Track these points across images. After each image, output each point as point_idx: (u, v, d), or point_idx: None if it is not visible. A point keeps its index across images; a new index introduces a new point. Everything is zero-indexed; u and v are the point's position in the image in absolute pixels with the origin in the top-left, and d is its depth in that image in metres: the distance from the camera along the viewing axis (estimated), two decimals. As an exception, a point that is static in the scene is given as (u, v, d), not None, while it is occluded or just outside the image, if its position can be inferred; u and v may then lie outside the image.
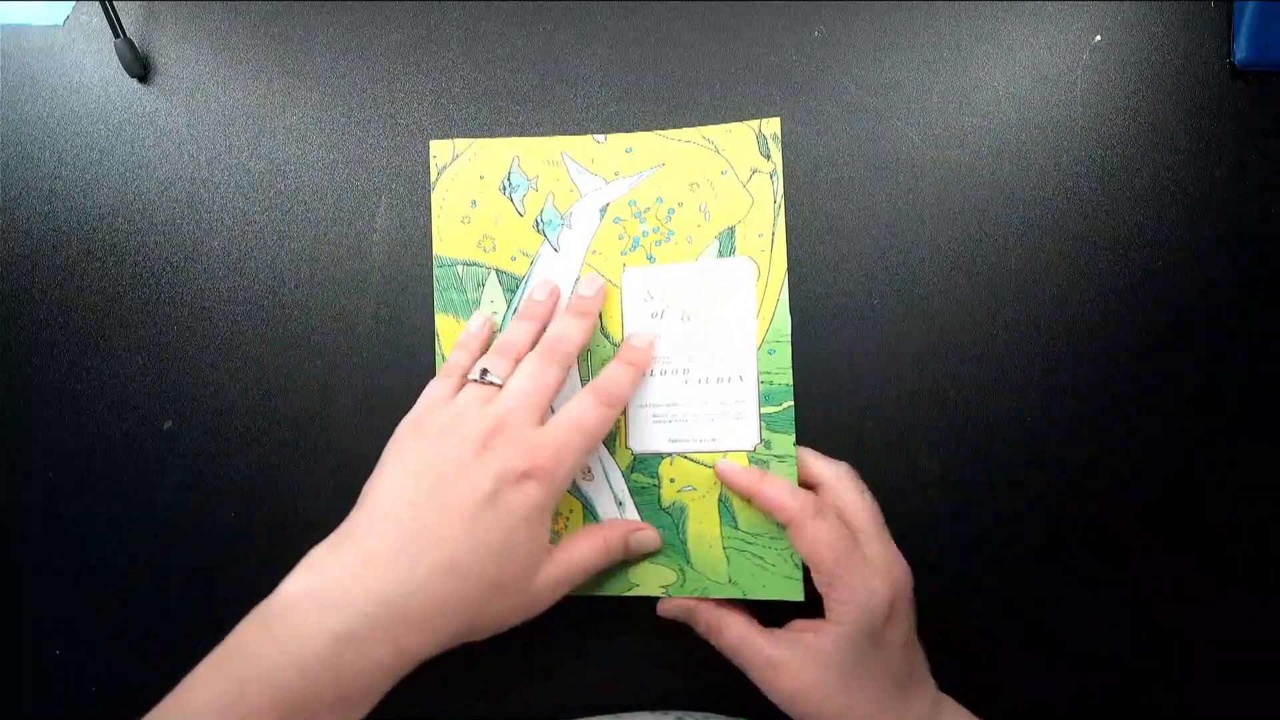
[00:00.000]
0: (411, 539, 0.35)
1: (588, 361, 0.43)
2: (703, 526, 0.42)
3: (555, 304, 0.43)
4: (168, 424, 0.45)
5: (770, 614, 0.41)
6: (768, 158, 0.43)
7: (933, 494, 0.42)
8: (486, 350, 0.42)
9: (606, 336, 0.43)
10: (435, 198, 0.44)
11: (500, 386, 0.39)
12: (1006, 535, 0.43)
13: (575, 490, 0.43)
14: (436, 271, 0.44)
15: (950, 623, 0.39)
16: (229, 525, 0.45)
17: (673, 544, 0.42)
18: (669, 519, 0.43)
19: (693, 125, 0.44)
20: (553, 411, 0.41)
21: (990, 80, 0.44)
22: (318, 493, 0.44)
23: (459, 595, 0.35)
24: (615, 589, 0.43)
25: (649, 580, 0.43)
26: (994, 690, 0.39)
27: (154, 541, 0.45)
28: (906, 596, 0.37)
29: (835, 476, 0.40)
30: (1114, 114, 0.44)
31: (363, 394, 0.45)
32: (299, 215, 0.45)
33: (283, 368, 0.45)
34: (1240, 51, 0.43)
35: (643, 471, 0.43)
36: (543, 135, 0.45)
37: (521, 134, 0.45)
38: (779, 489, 0.39)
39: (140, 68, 0.46)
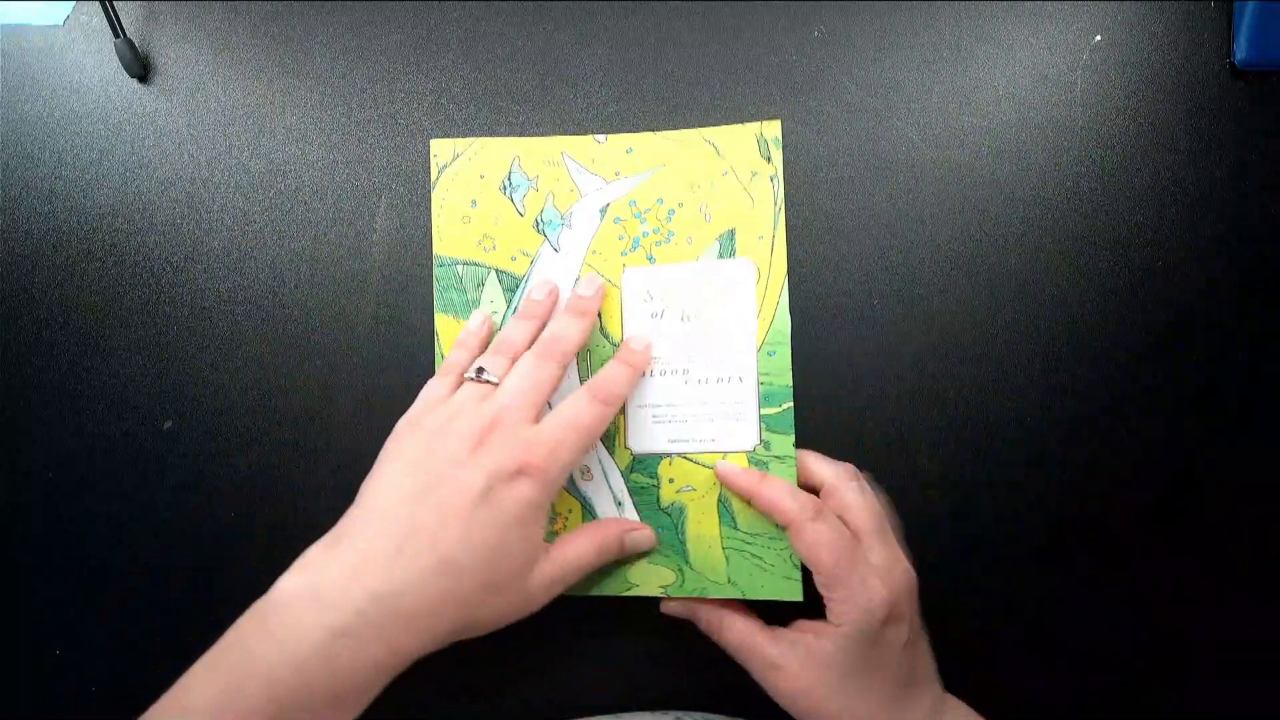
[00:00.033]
0: (406, 537, 0.35)
1: (587, 361, 0.43)
2: (702, 527, 0.42)
3: (554, 304, 0.43)
4: (168, 424, 0.45)
5: (774, 613, 0.41)
6: (768, 160, 0.43)
7: (933, 494, 0.42)
8: (485, 347, 0.42)
9: (606, 337, 0.44)
10: (435, 197, 0.44)
11: (497, 385, 0.39)
12: (1006, 535, 0.43)
13: (574, 490, 0.43)
14: (436, 271, 0.44)
15: (950, 623, 0.39)
16: (229, 525, 0.45)
17: (671, 544, 0.42)
18: (668, 519, 0.43)
19: (693, 125, 0.44)
20: (550, 409, 0.41)
21: (990, 80, 0.44)
22: (318, 493, 0.44)
23: (453, 593, 0.35)
24: (614, 589, 0.43)
25: (648, 580, 0.42)
26: (994, 690, 0.39)
27: (154, 541, 0.45)
28: (908, 598, 0.37)
29: (836, 477, 0.40)
30: (1114, 114, 0.44)
31: (363, 394, 0.45)
32: (299, 215, 0.46)
33: (283, 368, 0.45)
34: (1240, 51, 0.43)
35: (642, 471, 0.43)
36: (543, 135, 0.45)
37: (521, 134, 0.45)
38: (778, 491, 0.39)
39: (140, 68, 0.46)
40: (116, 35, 0.45)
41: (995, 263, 0.44)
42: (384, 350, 0.45)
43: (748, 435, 0.42)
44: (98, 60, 0.46)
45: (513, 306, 0.44)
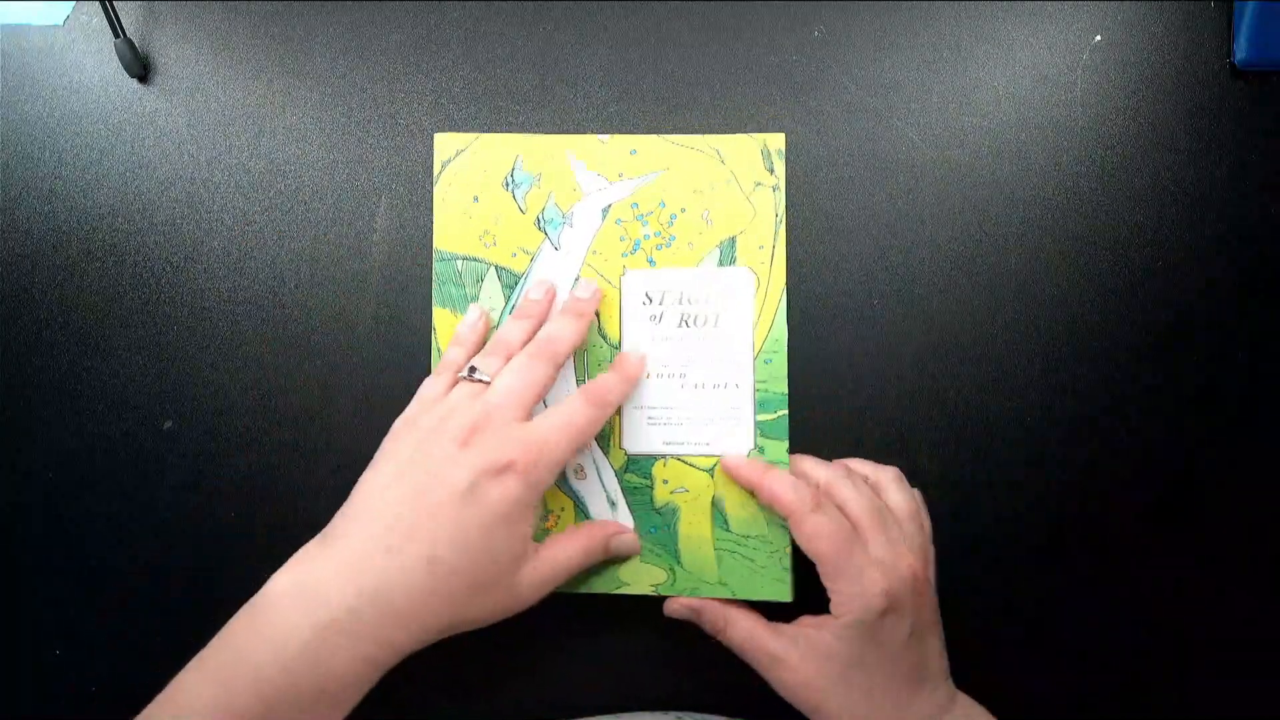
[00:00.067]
0: (394, 534, 0.35)
1: (584, 361, 0.44)
2: (694, 528, 0.42)
3: (551, 303, 0.43)
4: (168, 424, 0.45)
5: (775, 614, 0.41)
6: (771, 172, 0.43)
7: (933, 494, 0.42)
8: (483, 343, 0.42)
9: (604, 337, 0.44)
10: (438, 192, 0.44)
11: (489, 384, 0.39)
12: (1006, 535, 0.43)
13: (568, 489, 0.43)
14: (436, 265, 0.44)
15: (950, 623, 0.39)
16: (229, 525, 0.45)
17: (663, 544, 0.43)
18: (660, 519, 0.43)
19: (694, 125, 0.44)
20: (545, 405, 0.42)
21: (990, 80, 0.44)
22: (318, 493, 0.44)
23: (440, 590, 0.35)
24: (605, 587, 0.43)
25: (639, 579, 0.43)
26: (994, 690, 0.39)
27: (154, 541, 0.45)
28: (910, 592, 0.37)
29: (830, 476, 0.40)
30: (1114, 114, 0.44)
31: (363, 394, 0.45)
32: (299, 215, 0.46)
33: (283, 368, 0.45)
34: (1240, 51, 0.43)
35: (636, 472, 0.43)
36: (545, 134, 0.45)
37: (522, 133, 0.45)
38: (780, 482, 0.39)
39: (140, 68, 0.46)
40: (116, 35, 0.45)
41: (995, 263, 0.44)
42: (384, 350, 0.45)
43: (742, 440, 0.42)
44: (98, 60, 0.46)
45: (511, 303, 0.44)
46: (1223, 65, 0.44)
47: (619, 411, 0.43)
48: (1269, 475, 0.43)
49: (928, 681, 0.38)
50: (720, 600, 0.42)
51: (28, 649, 0.45)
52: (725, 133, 0.44)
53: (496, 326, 0.44)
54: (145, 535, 0.45)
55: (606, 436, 0.43)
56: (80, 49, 0.46)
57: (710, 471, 0.43)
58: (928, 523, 0.41)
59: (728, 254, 0.43)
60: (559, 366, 0.40)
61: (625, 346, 0.43)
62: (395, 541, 0.35)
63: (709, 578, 0.42)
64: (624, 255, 0.44)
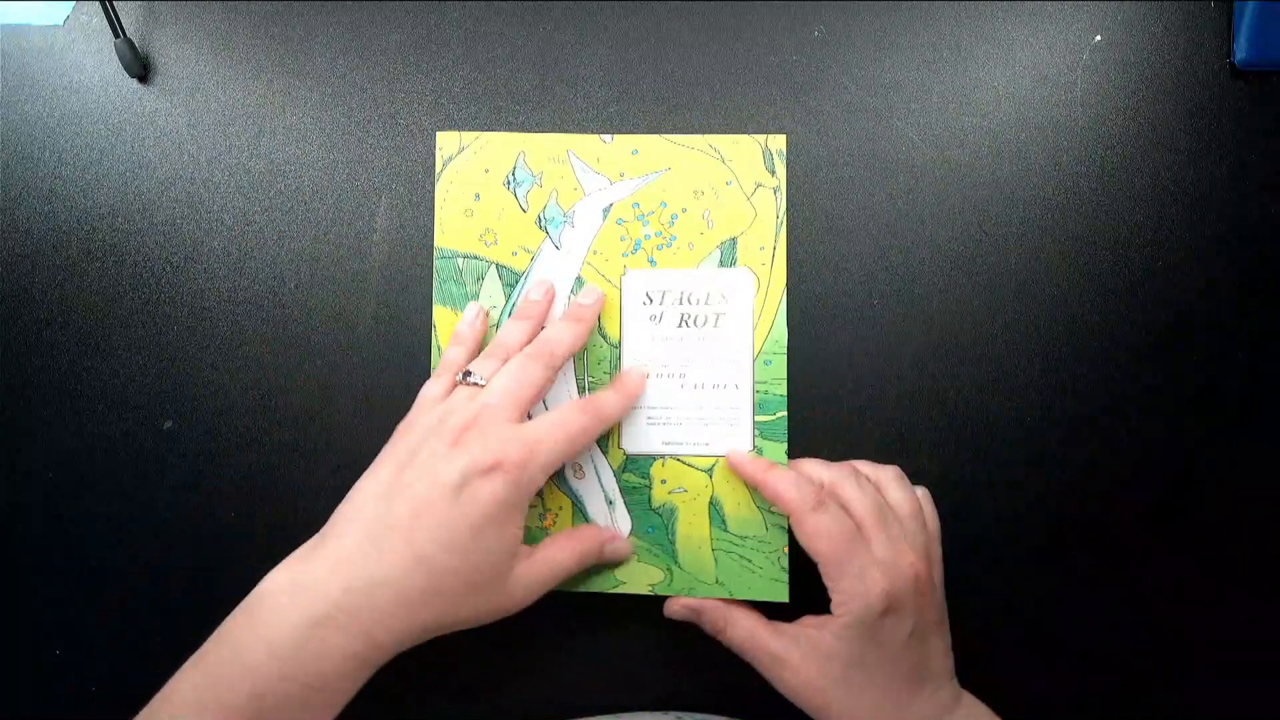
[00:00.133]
0: (384, 531, 0.36)
1: (583, 360, 0.44)
2: (692, 528, 0.42)
3: (550, 303, 0.43)
4: (168, 424, 0.45)
5: (778, 611, 0.41)
6: (773, 173, 0.43)
7: (933, 494, 0.42)
8: (482, 340, 0.43)
9: (604, 337, 0.44)
10: (439, 189, 0.44)
11: (484, 386, 0.39)
12: (1006, 535, 0.43)
13: (566, 488, 0.43)
14: (437, 263, 0.44)
15: (951, 623, 0.39)
16: (229, 525, 0.45)
17: (661, 544, 0.43)
18: (659, 519, 0.43)
19: (693, 125, 0.44)
20: (546, 409, 0.42)
21: (990, 80, 0.44)
22: (318, 493, 0.44)
23: (428, 588, 0.35)
24: (602, 586, 0.43)
25: (637, 579, 0.43)
26: (994, 690, 0.39)
27: (154, 541, 0.45)
28: (912, 592, 0.37)
29: (833, 476, 0.40)
30: (1114, 114, 0.44)
31: (363, 394, 0.45)
32: (299, 215, 0.45)
33: (283, 368, 0.45)
34: (1240, 51, 0.43)
35: (634, 472, 0.43)
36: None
37: (523, 133, 0.45)
38: (783, 480, 0.39)
39: (140, 68, 0.46)
40: (116, 35, 0.45)
41: (995, 263, 0.44)
42: (384, 350, 0.45)
43: (741, 441, 0.42)
44: (98, 60, 0.46)
45: (511, 302, 0.44)
46: (1223, 65, 0.44)
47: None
48: (1269, 475, 0.43)
49: (929, 681, 0.38)
50: (721, 600, 0.42)
51: (28, 649, 0.45)
52: (725, 133, 0.44)
53: (497, 325, 0.44)
54: (145, 535, 0.45)
55: (605, 436, 0.43)
56: (80, 49, 0.46)
57: (709, 472, 0.43)
58: (933, 522, 0.41)
59: (728, 255, 0.43)
60: (555, 369, 0.40)
61: (625, 346, 0.43)
62: (386, 539, 0.35)
63: (706, 578, 0.42)
64: (625, 255, 0.44)
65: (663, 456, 0.43)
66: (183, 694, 0.34)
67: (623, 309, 0.43)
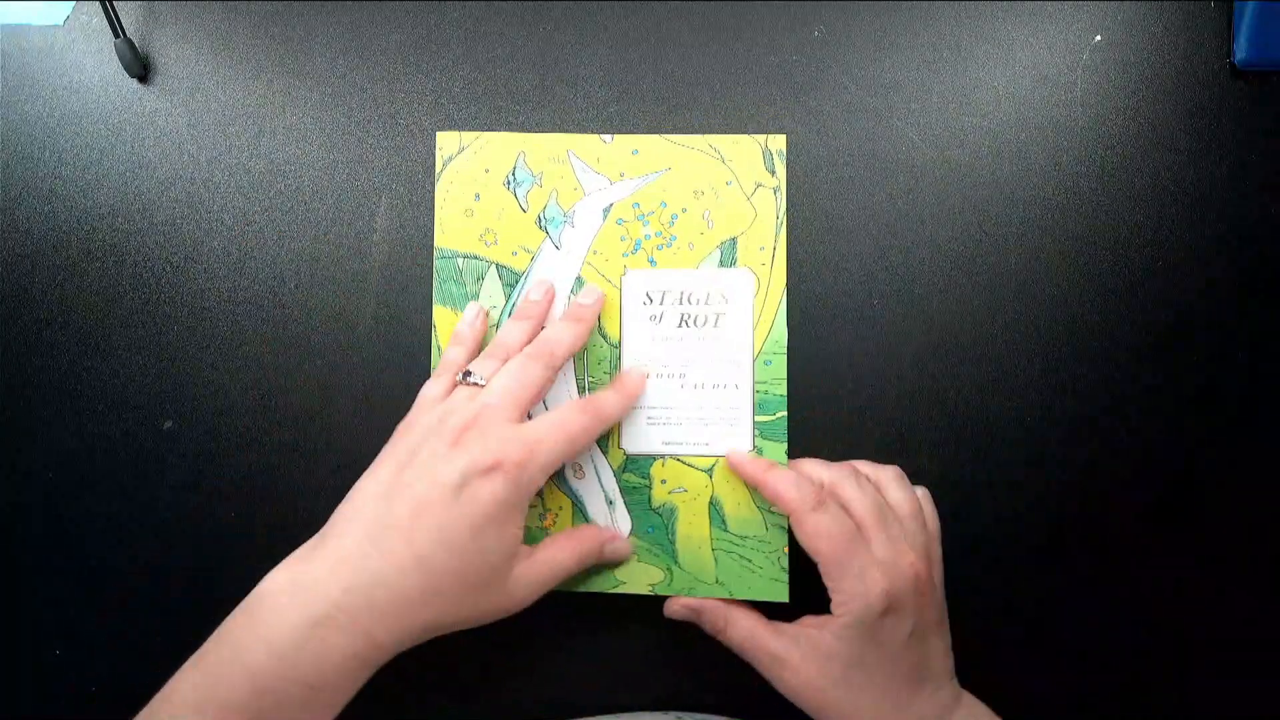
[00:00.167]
0: (383, 531, 0.36)
1: (583, 361, 0.44)
2: (692, 528, 0.43)
3: (550, 303, 0.43)
4: (168, 424, 0.45)
5: (777, 611, 0.41)
6: (773, 173, 0.43)
7: (933, 494, 0.42)
8: (481, 340, 0.43)
9: (604, 337, 0.44)
10: (439, 189, 0.44)
11: (484, 387, 0.39)
12: (1006, 535, 0.43)
13: (566, 488, 0.43)
14: (437, 263, 0.44)
15: (951, 623, 0.39)
16: (229, 525, 0.45)
17: (661, 544, 0.43)
18: (659, 519, 0.43)
19: (693, 125, 0.44)
20: (547, 410, 0.42)
21: (990, 80, 0.44)
22: (318, 493, 0.44)
23: (428, 588, 0.35)
24: (602, 586, 0.43)
25: (636, 579, 0.43)
26: (994, 690, 0.39)
27: (154, 541, 0.45)
28: (912, 592, 0.37)
29: (833, 476, 0.40)
30: (1114, 114, 0.44)
31: (363, 394, 0.45)
32: (299, 215, 0.45)
33: (283, 368, 0.45)
34: (1240, 51, 0.43)
35: (634, 472, 0.43)
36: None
37: (523, 133, 0.45)
38: (783, 480, 0.39)
39: (140, 68, 0.46)
40: (116, 35, 0.45)
41: (995, 263, 0.44)
42: (384, 350, 0.45)
43: (741, 441, 0.43)
44: (98, 60, 0.46)
45: (511, 302, 0.44)
46: (1223, 65, 0.44)
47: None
48: (1269, 475, 0.43)
49: (929, 681, 0.38)
50: (721, 600, 0.42)
51: (28, 649, 0.45)
52: (725, 133, 0.44)
53: (497, 325, 0.44)
54: (145, 535, 0.45)
55: (605, 436, 0.43)
56: (80, 49, 0.46)
57: (709, 472, 0.43)
58: (933, 522, 0.41)
59: (728, 255, 0.43)
60: (555, 369, 0.40)
61: (625, 346, 0.43)
62: (385, 539, 0.35)
63: (706, 578, 0.42)
64: (625, 255, 0.44)
65: (663, 456, 0.43)
66: (183, 694, 0.34)
67: (623, 309, 0.43)
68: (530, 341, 0.42)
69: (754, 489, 0.42)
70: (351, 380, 0.45)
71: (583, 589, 0.43)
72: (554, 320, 0.43)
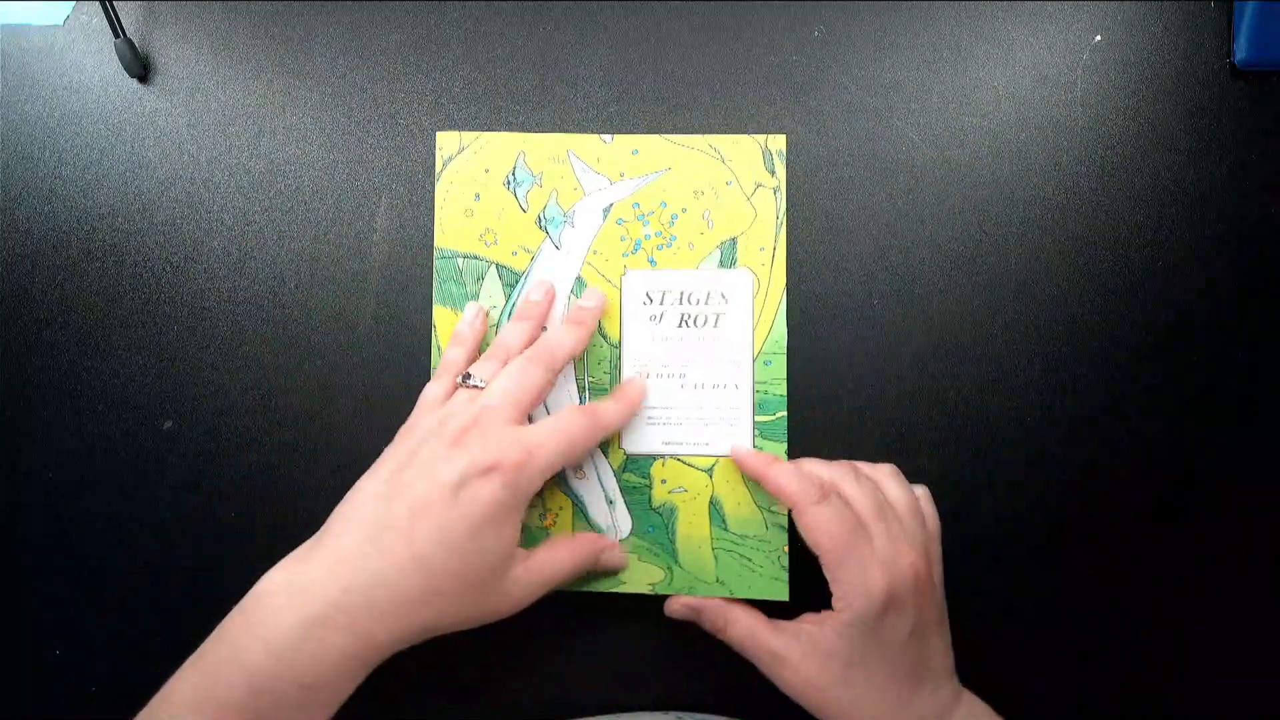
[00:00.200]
0: (382, 531, 0.36)
1: (583, 361, 0.44)
2: (692, 527, 0.43)
3: (551, 304, 0.43)
4: (168, 424, 0.45)
5: (777, 611, 0.41)
6: (772, 173, 0.43)
7: (933, 494, 0.42)
8: (481, 340, 0.43)
9: (604, 337, 0.44)
10: (439, 189, 0.44)
11: (484, 389, 0.39)
12: (1006, 535, 0.43)
13: (566, 488, 0.43)
14: (437, 263, 0.44)
15: (951, 622, 0.39)
16: (229, 525, 0.45)
17: (661, 543, 0.43)
18: (659, 519, 0.43)
19: (693, 125, 0.44)
20: (548, 412, 0.42)
21: (990, 80, 0.44)
22: (318, 493, 0.44)
23: (427, 588, 0.35)
24: (602, 585, 0.43)
25: (637, 579, 0.43)
26: (993, 690, 0.39)
27: (154, 541, 0.45)
28: (912, 589, 0.37)
29: (832, 473, 0.40)
30: (1114, 114, 0.44)
31: (363, 394, 0.45)
32: (299, 215, 0.45)
33: (283, 368, 0.45)
34: (1240, 51, 0.43)
35: (635, 472, 0.43)
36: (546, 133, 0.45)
37: (523, 133, 0.45)
38: (786, 474, 0.39)
39: (140, 68, 0.46)
40: (116, 35, 0.45)
41: (995, 263, 0.44)
42: (384, 350, 0.45)
43: (741, 441, 0.43)
44: (98, 60, 0.46)
45: (511, 302, 0.44)
46: (1223, 65, 0.44)
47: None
48: (1269, 475, 0.43)
49: (930, 680, 0.38)
50: (721, 599, 0.42)
51: (28, 649, 0.45)
52: (725, 133, 0.44)
53: (497, 325, 0.44)
54: (145, 535, 0.45)
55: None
56: (80, 49, 0.46)
57: (709, 472, 0.43)
58: (933, 521, 0.41)
59: (728, 255, 0.43)
60: (556, 372, 0.40)
61: (625, 346, 0.43)
62: (384, 539, 0.35)
63: (706, 577, 0.42)
64: (625, 255, 0.44)
65: (663, 456, 0.43)
66: (181, 694, 0.34)
67: (623, 309, 0.43)
68: (531, 342, 0.42)
69: (756, 484, 0.42)
70: (351, 380, 0.45)
71: (583, 589, 0.43)
72: (554, 321, 0.43)
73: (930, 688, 0.38)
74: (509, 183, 0.44)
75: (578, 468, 0.43)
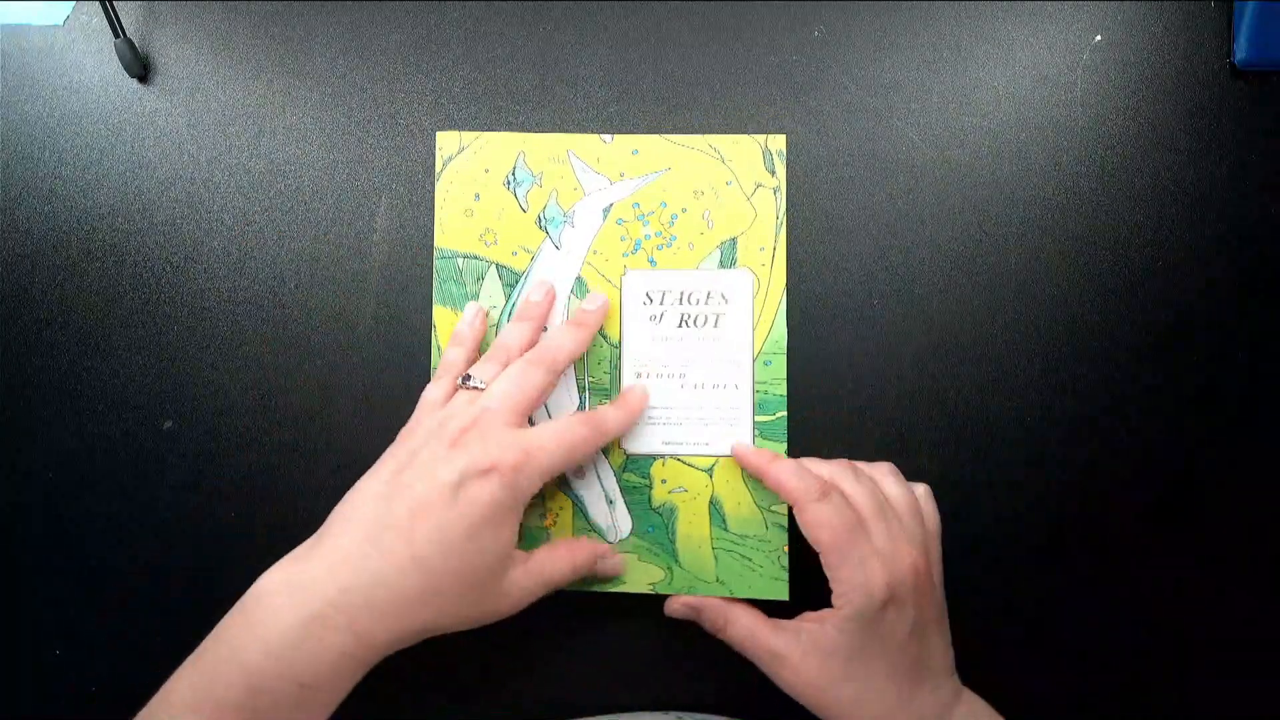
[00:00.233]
0: (382, 531, 0.36)
1: (584, 361, 0.44)
2: (692, 527, 0.43)
3: (551, 304, 0.43)
4: (168, 424, 0.45)
5: (777, 610, 0.41)
6: (772, 173, 0.43)
7: (933, 494, 0.42)
8: (481, 340, 0.43)
9: (604, 337, 0.44)
10: (439, 189, 0.44)
11: (485, 390, 0.39)
12: (1006, 535, 0.43)
13: (566, 488, 0.43)
14: (437, 263, 0.44)
15: (951, 622, 0.39)
16: (229, 525, 0.45)
17: (661, 543, 0.43)
18: (659, 518, 0.43)
19: (693, 125, 0.44)
20: (549, 416, 0.42)
21: (990, 80, 0.44)
22: (318, 493, 0.44)
23: (423, 588, 0.35)
24: (603, 585, 0.43)
25: (637, 578, 0.43)
26: (993, 690, 0.39)
27: (154, 541, 0.45)
28: (911, 586, 0.37)
29: (830, 471, 0.40)
30: (1114, 114, 0.44)
31: (363, 394, 0.45)
32: (299, 215, 0.45)
33: (283, 368, 0.45)
34: (1240, 51, 0.43)
35: (635, 472, 0.43)
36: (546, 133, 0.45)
37: (523, 133, 0.45)
38: (787, 470, 0.39)
39: (140, 68, 0.46)
40: (116, 35, 0.45)
41: (995, 263, 0.44)
42: (384, 350, 0.45)
43: (741, 441, 0.42)
44: (98, 60, 0.46)
45: (511, 302, 0.44)
46: (1223, 65, 0.44)
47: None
48: (1269, 475, 0.43)
49: (930, 677, 0.38)
50: (721, 599, 0.42)
51: (28, 649, 0.45)
52: (725, 133, 0.44)
53: (497, 325, 0.44)
54: (145, 535, 0.45)
55: (606, 436, 0.43)
56: (80, 49, 0.46)
57: (709, 471, 0.43)
58: (933, 519, 0.41)
59: (728, 255, 0.43)
60: (557, 374, 0.40)
61: (625, 346, 0.43)
62: (383, 539, 0.36)
63: (706, 576, 0.42)
64: (625, 255, 0.44)
65: (663, 456, 0.43)
66: (180, 693, 0.34)
67: (623, 309, 0.43)
68: (531, 343, 0.42)
69: (756, 484, 0.42)
70: (351, 380, 0.45)
71: (583, 589, 0.43)
72: (555, 322, 0.43)
73: (930, 686, 0.38)
74: (509, 183, 0.44)
75: (577, 467, 0.43)
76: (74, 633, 0.45)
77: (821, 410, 0.43)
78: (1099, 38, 0.44)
